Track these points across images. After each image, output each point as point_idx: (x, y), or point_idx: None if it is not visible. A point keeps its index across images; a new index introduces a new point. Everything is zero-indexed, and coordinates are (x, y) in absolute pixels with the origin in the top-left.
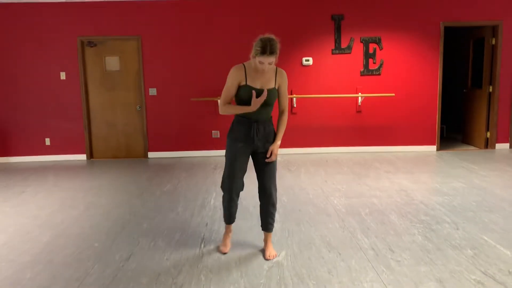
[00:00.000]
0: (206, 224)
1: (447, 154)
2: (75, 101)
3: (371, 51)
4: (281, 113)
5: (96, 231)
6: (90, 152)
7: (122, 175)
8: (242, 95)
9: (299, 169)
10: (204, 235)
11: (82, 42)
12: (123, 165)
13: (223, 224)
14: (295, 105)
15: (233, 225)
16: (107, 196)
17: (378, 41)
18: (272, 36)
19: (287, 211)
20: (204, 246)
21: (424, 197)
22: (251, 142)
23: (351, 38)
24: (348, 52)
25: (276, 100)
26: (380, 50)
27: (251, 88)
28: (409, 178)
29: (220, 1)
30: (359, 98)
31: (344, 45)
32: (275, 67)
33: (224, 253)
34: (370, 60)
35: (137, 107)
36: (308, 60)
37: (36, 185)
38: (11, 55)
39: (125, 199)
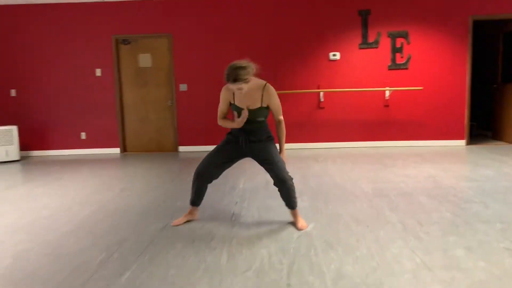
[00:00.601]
0: (236, 203)
1: (476, 148)
2: (109, 97)
3: (398, 45)
4: (277, 124)
5: (132, 209)
6: (124, 146)
7: (154, 166)
8: (235, 111)
9: (326, 160)
10: (234, 211)
11: (117, 40)
12: (155, 158)
13: (253, 202)
14: (322, 100)
15: (261, 204)
16: (141, 182)
17: (405, 35)
18: (241, 63)
19: (315, 193)
20: (234, 219)
21: (452, 183)
22: (239, 148)
23: (378, 32)
24: (375, 46)
25: (262, 116)
26: (408, 44)
27: (237, 107)
28: (437, 167)
29: (249, 0)
30: (387, 92)
31: (371, 39)
32: (262, 84)
33: (172, 225)
34: (398, 55)
35: (168, 103)
36: (335, 55)
37: (73, 173)
38: (50, 54)
39: (158, 184)
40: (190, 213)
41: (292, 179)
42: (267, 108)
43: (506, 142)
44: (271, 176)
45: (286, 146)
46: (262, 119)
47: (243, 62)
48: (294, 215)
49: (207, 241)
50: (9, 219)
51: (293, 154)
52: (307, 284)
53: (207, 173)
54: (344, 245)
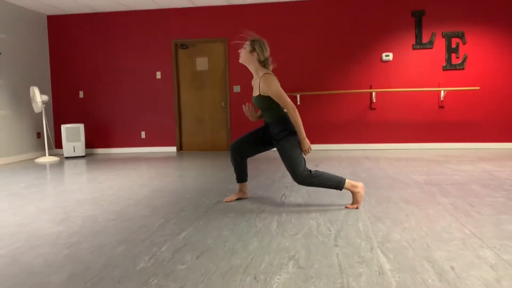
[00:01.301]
0: (286, 187)
1: None
2: (168, 98)
3: (453, 45)
4: (288, 114)
5: (187, 189)
6: (180, 144)
7: (208, 161)
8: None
9: (378, 158)
10: (284, 193)
11: (176, 45)
12: (209, 155)
13: (302, 187)
14: (374, 100)
15: (310, 189)
16: (196, 171)
17: (461, 36)
18: (256, 37)
19: (365, 182)
20: (285, 198)
21: (509, 176)
22: (263, 134)
23: (432, 33)
24: (430, 47)
25: (265, 106)
26: (464, 44)
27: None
28: (494, 164)
29: (299, 3)
30: (442, 92)
31: (425, 40)
32: (261, 74)
33: (224, 201)
34: (453, 55)
35: (222, 104)
36: (388, 56)
37: (134, 164)
38: (114, 58)
39: (211, 173)
40: (240, 190)
41: (310, 176)
42: (268, 98)
43: None
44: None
45: (338, 146)
46: (266, 109)
47: (257, 37)
48: (351, 193)
49: (258, 213)
50: (78, 195)
51: (344, 154)
52: (353, 245)
53: (238, 143)
54: (392, 219)
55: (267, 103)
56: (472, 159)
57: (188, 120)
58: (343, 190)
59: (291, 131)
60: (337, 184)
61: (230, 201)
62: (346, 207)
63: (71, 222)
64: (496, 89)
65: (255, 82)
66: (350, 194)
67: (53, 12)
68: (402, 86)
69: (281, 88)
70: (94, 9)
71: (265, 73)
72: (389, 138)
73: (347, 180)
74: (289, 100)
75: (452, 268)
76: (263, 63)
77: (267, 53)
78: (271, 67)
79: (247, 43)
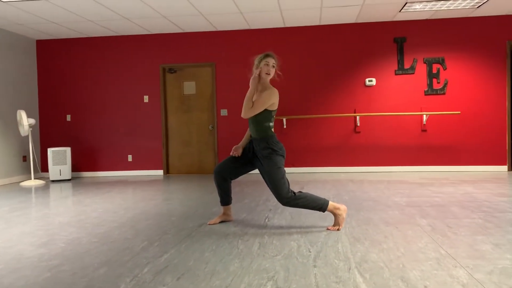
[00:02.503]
0: (270, 209)
1: None
2: (155, 122)
3: (434, 71)
4: None
5: (173, 212)
6: (167, 168)
7: (195, 184)
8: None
9: (362, 181)
10: (268, 215)
11: (164, 69)
12: (195, 178)
13: (286, 209)
14: (358, 124)
15: (294, 211)
16: (182, 194)
17: (441, 61)
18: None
19: (347, 203)
20: (268, 221)
21: (488, 198)
22: (247, 154)
23: (414, 59)
24: (412, 72)
25: (258, 118)
26: (444, 70)
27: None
28: (475, 186)
29: (287, 28)
30: (424, 116)
31: (407, 65)
32: (271, 87)
33: (208, 224)
34: (434, 80)
35: (210, 127)
36: (371, 81)
37: (120, 188)
38: (102, 82)
39: (197, 196)
40: (224, 213)
41: (293, 198)
42: (264, 110)
43: None
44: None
45: (323, 169)
46: (258, 122)
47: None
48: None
49: (241, 235)
50: (62, 218)
51: (329, 177)
52: (332, 265)
53: (221, 167)
54: (371, 240)
55: (261, 115)
56: (454, 181)
57: (175, 144)
58: (326, 212)
59: (275, 151)
60: (320, 206)
61: (213, 224)
62: (328, 229)
63: (54, 244)
64: (476, 113)
65: (256, 95)
66: (331, 217)
67: (42, 37)
68: (385, 110)
69: (268, 103)
70: (83, 34)
71: (273, 87)
72: (373, 161)
73: (330, 202)
74: (256, 110)
75: (425, 287)
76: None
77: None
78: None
79: (274, 62)
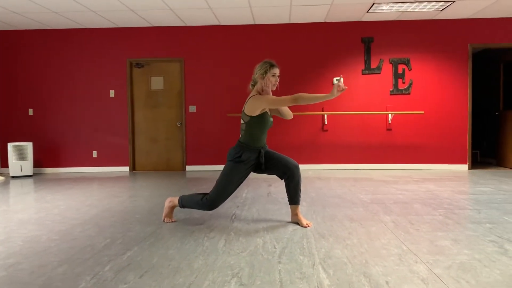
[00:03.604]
0: (238, 206)
1: (478, 172)
2: (122, 117)
3: (400, 71)
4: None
5: (137, 209)
6: (133, 164)
7: (162, 181)
8: (265, 121)
9: (329, 178)
10: (235, 212)
11: (131, 63)
12: (162, 175)
13: (253, 206)
14: (326, 122)
15: (261, 207)
16: (148, 191)
17: (407, 62)
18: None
19: (313, 200)
20: (235, 218)
21: (449, 195)
22: (256, 164)
23: (380, 59)
24: (378, 72)
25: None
26: (409, 70)
27: (268, 115)
28: (437, 184)
29: (255, 26)
30: (389, 116)
31: (373, 65)
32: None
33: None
34: (400, 80)
35: (178, 123)
36: (338, 80)
37: (84, 185)
38: (66, 75)
39: (164, 193)
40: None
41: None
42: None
43: (510, 168)
44: (283, 168)
45: None
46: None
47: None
48: (297, 212)
49: (206, 232)
50: (21, 215)
51: None
52: (296, 262)
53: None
54: (335, 236)
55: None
56: (417, 179)
57: (142, 140)
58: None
59: (236, 158)
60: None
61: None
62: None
63: (12, 242)
64: (439, 113)
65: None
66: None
67: (4, 27)
68: (352, 109)
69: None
70: (46, 26)
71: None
72: (341, 159)
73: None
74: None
75: (387, 282)
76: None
77: None
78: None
79: (278, 72)
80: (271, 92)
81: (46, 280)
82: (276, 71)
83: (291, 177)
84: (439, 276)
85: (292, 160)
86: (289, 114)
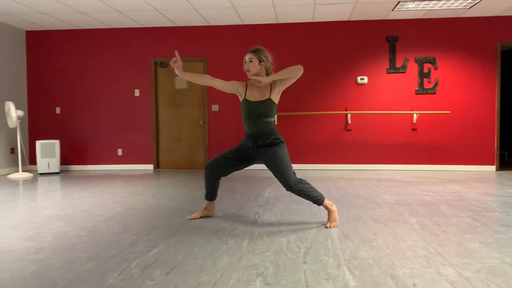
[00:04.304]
0: (260, 205)
1: (507, 173)
2: (146, 116)
3: (425, 70)
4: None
5: (162, 207)
6: (157, 162)
7: (185, 179)
8: (242, 108)
9: (352, 179)
10: (258, 211)
11: (155, 63)
12: (185, 173)
13: (276, 206)
14: (349, 122)
15: (284, 207)
16: (171, 189)
17: (432, 61)
18: (261, 47)
19: (337, 201)
20: (258, 217)
21: (476, 197)
22: (247, 151)
23: (405, 58)
24: (403, 71)
25: (270, 112)
26: (435, 69)
27: (247, 101)
28: (464, 185)
29: (278, 25)
30: (414, 115)
31: (398, 64)
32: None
33: (188, 218)
34: (425, 79)
35: (200, 122)
36: (363, 79)
37: (109, 182)
38: (93, 74)
39: (187, 191)
40: (206, 208)
41: (299, 181)
42: (274, 103)
43: None
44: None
45: (313, 166)
46: (267, 116)
47: (258, 47)
48: (327, 212)
49: (230, 230)
50: (49, 211)
51: (320, 174)
52: (321, 262)
53: (215, 163)
54: (360, 237)
55: (272, 110)
56: (443, 180)
57: (165, 138)
58: (319, 208)
59: (283, 141)
60: (319, 197)
61: (193, 219)
62: (326, 227)
63: (41, 238)
64: (466, 113)
65: (261, 90)
66: (323, 213)
67: (32, 28)
68: (376, 108)
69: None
70: (74, 26)
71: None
72: (364, 159)
73: (325, 199)
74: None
75: (414, 284)
76: (268, 71)
77: (271, 59)
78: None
79: (252, 55)
80: (253, 76)
81: (75, 275)
82: (245, 57)
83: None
84: (468, 279)
85: (284, 182)
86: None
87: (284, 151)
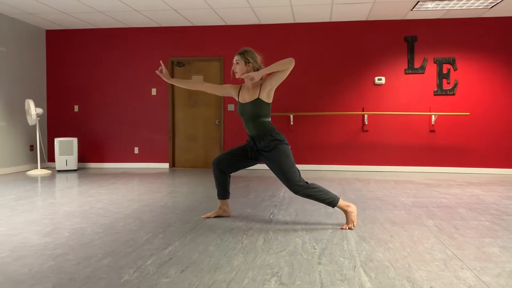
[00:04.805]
0: (275, 205)
1: None
2: (162, 115)
3: (445, 71)
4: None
5: (177, 205)
6: (173, 161)
7: (200, 178)
8: (238, 111)
9: (368, 180)
10: (272, 211)
11: (173, 62)
12: (201, 172)
13: (291, 206)
14: (366, 123)
15: (299, 207)
16: (187, 187)
17: (452, 62)
18: (248, 48)
19: (354, 202)
20: (273, 217)
21: (496, 201)
22: (247, 150)
23: (424, 58)
24: (421, 72)
25: (261, 112)
26: (454, 70)
27: (240, 104)
28: (483, 188)
29: (294, 25)
30: (433, 117)
31: (417, 65)
32: (260, 81)
33: (202, 218)
34: (444, 80)
35: (216, 121)
36: (380, 79)
37: (126, 180)
38: (111, 73)
39: (202, 189)
40: (220, 207)
41: (306, 186)
42: (265, 104)
43: None
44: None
45: (329, 167)
46: (259, 117)
47: (245, 49)
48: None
49: (245, 230)
50: (67, 208)
51: (336, 175)
52: (337, 263)
53: (220, 158)
54: (377, 239)
55: (264, 109)
56: (461, 183)
57: (181, 137)
58: (335, 209)
59: (281, 141)
60: (332, 199)
61: (207, 218)
62: (342, 228)
63: (58, 234)
64: (485, 115)
65: (250, 91)
66: (338, 214)
67: (52, 27)
68: (394, 109)
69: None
70: (92, 25)
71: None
72: (380, 161)
73: (340, 199)
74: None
75: None
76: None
77: (260, 59)
78: None
79: (238, 57)
80: (244, 75)
81: (92, 271)
82: (234, 59)
83: None
84: (487, 284)
85: (289, 187)
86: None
87: (284, 154)
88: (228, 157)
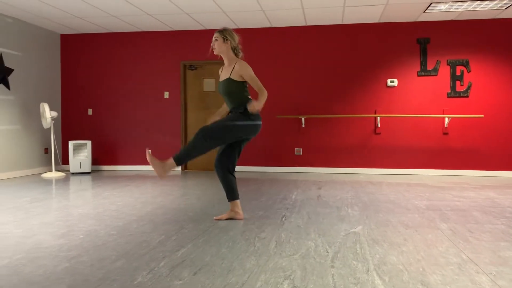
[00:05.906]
0: (287, 208)
1: None
2: (175, 118)
3: (458, 73)
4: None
5: (190, 207)
6: (185, 164)
7: (212, 180)
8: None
9: (381, 183)
10: (285, 214)
11: (185, 66)
12: (212, 175)
13: (303, 209)
14: (379, 125)
15: (311, 210)
16: (200, 189)
17: (465, 64)
18: (227, 27)
19: (366, 205)
20: (285, 220)
21: (511, 204)
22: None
23: (437, 60)
24: (434, 74)
25: (233, 89)
26: (468, 72)
27: (219, 82)
28: (498, 191)
29: (306, 27)
30: (446, 119)
31: (430, 67)
32: (236, 60)
33: (214, 219)
34: (457, 82)
35: None
36: (393, 81)
37: (139, 182)
38: (124, 77)
39: (214, 191)
40: (232, 210)
41: (202, 139)
42: (236, 82)
43: None
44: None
45: (342, 170)
46: (232, 92)
47: (224, 27)
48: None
49: (257, 232)
50: (81, 210)
51: (348, 178)
52: (350, 267)
53: (217, 159)
54: (390, 242)
55: (235, 87)
56: (476, 186)
57: None
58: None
59: (245, 114)
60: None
61: (219, 220)
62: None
63: (73, 236)
64: (500, 118)
65: (226, 69)
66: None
67: (66, 31)
68: (406, 111)
69: (252, 73)
70: (106, 29)
71: (241, 59)
72: (393, 163)
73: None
74: (261, 84)
75: None
76: (235, 50)
77: (237, 39)
78: (240, 55)
79: (217, 35)
80: (229, 55)
81: (105, 273)
82: (213, 36)
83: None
84: None
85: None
86: None
87: (234, 118)
88: (221, 155)
